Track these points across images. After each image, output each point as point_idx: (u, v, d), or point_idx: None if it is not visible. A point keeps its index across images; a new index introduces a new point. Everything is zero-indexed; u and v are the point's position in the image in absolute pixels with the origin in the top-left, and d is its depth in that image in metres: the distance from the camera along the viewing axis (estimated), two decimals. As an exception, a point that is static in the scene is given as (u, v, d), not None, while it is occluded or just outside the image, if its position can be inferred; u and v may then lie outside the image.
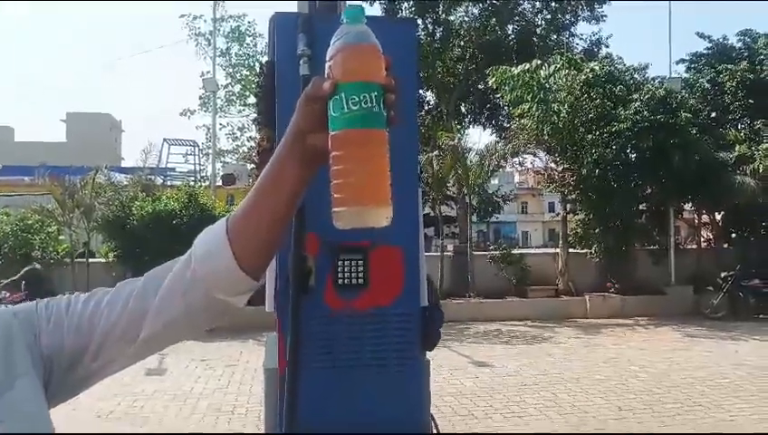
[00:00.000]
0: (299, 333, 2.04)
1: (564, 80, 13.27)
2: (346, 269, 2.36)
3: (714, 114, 15.77)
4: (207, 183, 19.24)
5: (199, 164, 25.32)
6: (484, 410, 6.49)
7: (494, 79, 13.84)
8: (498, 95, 15.77)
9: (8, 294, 9.84)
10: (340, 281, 2.37)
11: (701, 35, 17.17)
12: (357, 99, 0.78)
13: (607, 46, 19.42)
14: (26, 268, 10.54)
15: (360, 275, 2.37)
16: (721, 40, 17.00)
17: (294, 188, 0.88)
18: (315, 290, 2.28)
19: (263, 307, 2.36)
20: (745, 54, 16.20)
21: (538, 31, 18.94)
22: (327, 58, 0.82)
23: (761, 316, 12.21)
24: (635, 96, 13.54)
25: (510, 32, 18.80)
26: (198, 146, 24.84)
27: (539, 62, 13.71)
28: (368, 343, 2.42)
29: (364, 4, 17.28)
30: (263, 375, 2.60)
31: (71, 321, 0.92)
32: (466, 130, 18.71)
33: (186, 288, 0.91)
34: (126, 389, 6.86)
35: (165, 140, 25.65)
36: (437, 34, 18.09)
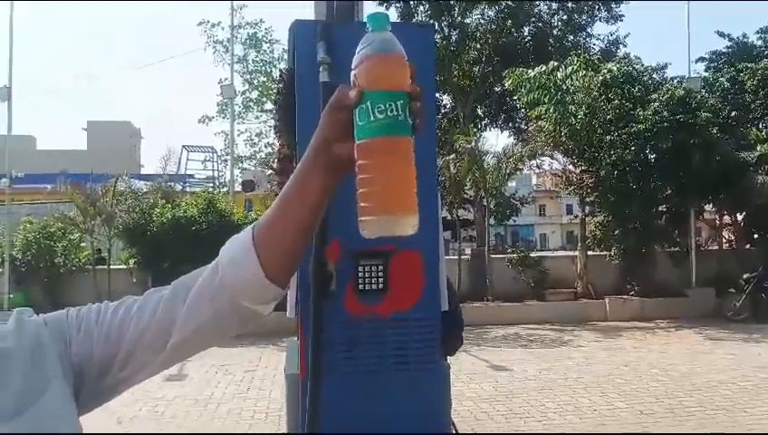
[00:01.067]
0: (320, 338, 2.06)
1: (581, 81, 13.19)
2: (366, 274, 2.37)
3: (734, 113, 15.56)
4: (226, 189, 19.38)
5: (218, 170, 25.52)
6: (504, 415, 6.46)
7: (510, 81, 13.80)
8: (515, 97, 15.71)
9: None
10: (360, 286, 2.39)
11: (721, 34, 17.03)
12: (383, 107, 0.78)
13: (624, 46, 19.27)
14: None
15: (381, 280, 2.38)
16: (741, 38, 16.84)
17: (319, 197, 0.88)
18: (336, 295, 2.30)
19: (282, 312, 2.38)
20: (766, 52, 16.01)
21: (554, 32, 18.83)
22: (352, 66, 0.82)
23: (784, 318, 12.02)
24: (654, 96, 13.41)
25: (526, 33, 18.74)
26: (217, 152, 25.03)
27: (556, 63, 13.64)
28: (388, 347, 2.43)
29: (380, 8, 17.42)
30: (283, 380, 2.62)
31: (100, 329, 0.93)
32: (483, 133, 18.65)
33: (213, 295, 0.92)
34: (147, 394, 6.92)
35: (184, 146, 25.93)
36: (453, 37, 18.07)
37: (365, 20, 0.85)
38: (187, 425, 6.23)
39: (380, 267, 2.37)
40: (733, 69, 15.90)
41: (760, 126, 15.25)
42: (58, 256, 12.79)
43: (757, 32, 16.79)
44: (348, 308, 2.38)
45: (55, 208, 14.12)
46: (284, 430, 2.61)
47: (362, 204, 0.79)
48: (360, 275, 2.38)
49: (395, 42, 0.81)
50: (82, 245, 13.43)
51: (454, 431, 2.63)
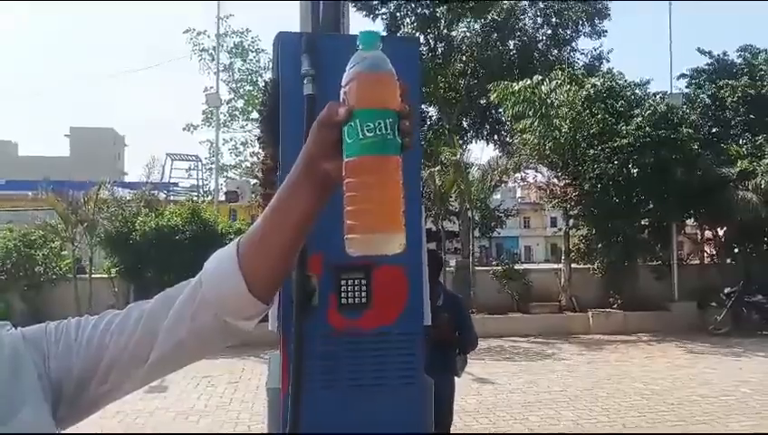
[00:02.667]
0: (302, 352, 2.04)
1: (566, 95, 13.31)
2: (349, 289, 2.36)
3: (715, 129, 15.80)
4: (210, 198, 19.28)
5: (202, 179, 25.37)
6: (487, 428, 6.45)
7: (495, 94, 13.89)
8: (500, 110, 15.82)
9: None
10: (343, 300, 2.37)
11: (702, 51, 17.24)
12: (372, 125, 0.78)
13: (608, 61, 19.48)
14: None
15: (363, 294, 2.37)
16: (721, 55, 17.07)
17: (305, 214, 0.87)
18: (318, 310, 2.29)
19: (264, 325, 2.36)
20: (746, 70, 16.25)
21: (539, 46, 19.00)
22: (342, 84, 0.82)
23: (764, 332, 12.14)
24: (636, 111, 13.56)
25: (511, 47, 18.87)
26: (201, 161, 24.90)
27: (540, 77, 13.76)
28: (370, 362, 2.42)
29: (366, 20, 17.48)
30: (265, 394, 2.59)
31: (80, 344, 0.92)
32: (468, 146, 18.74)
33: (195, 311, 0.91)
34: (127, 406, 6.82)
35: (168, 154, 25.75)
36: (439, 50, 18.18)
37: (351, 33, 0.85)
38: (166, 437, 6.15)
39: (363, 281, 2.36)
40: (713, 86, 16.12)
41: (740, 142, 15.45)
42: (38, 264, 12.61)
43: (737, 50, 17.04)
44: (330, 322, 2.37)
45: (36, 216, 13.94)
46: (265, 445, 2.59)
47: (349, 222, 0.79)
48: (343, 288, 2.36)
49: (385, 60, 0.82)
50: (63, 253, 13.26)
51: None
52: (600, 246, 13.81)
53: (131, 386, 0.95)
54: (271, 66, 3.56)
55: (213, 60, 20.42)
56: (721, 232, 15.48)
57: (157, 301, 0.95)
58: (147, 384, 0.97)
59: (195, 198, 18.35)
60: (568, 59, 18.72)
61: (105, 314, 0.96)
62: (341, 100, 0.82)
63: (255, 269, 0.89)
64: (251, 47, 20.91)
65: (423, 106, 17.53)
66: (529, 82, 13.51)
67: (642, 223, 14.33)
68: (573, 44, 19.44)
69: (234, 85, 20.94)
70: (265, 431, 2.66)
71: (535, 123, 13.18)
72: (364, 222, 0.78)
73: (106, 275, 12.88)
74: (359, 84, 0.80)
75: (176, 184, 25.32)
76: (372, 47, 0.82)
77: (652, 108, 13.46)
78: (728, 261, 15.16)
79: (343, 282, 2.36)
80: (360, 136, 0.79)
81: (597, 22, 18.95)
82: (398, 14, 18.19)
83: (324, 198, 0.87)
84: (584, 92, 13.59)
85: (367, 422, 2.34)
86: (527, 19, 19.05)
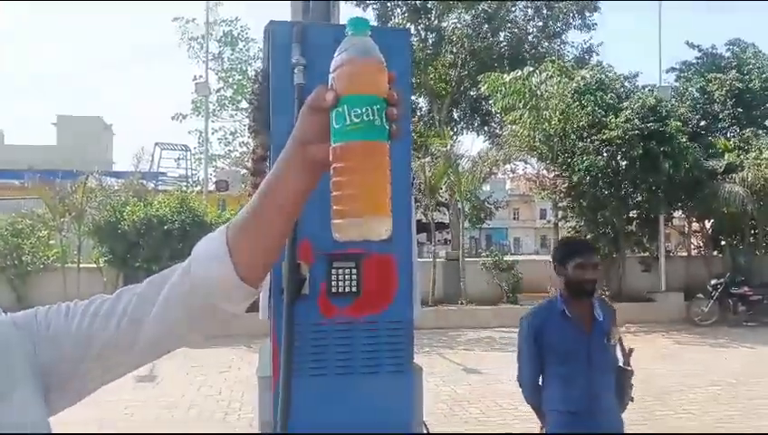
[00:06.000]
0: (292, 340, 2.05)
1: (555, 87, 13.35)
2: (339, 277, 2.37)
3: (703, 123, 15.91)
4: (199, 188, 19.19)
5: (191, 169, 25.22)
6: (477, 417, 6.50)
7: (486, 86, 13.90)
8: (490, 102, 15.85)
9: None
10: (333, 289, 2.39)
11: (690, 45, 17.35)
12: (359, 111, 0.78)
13: (597, 54, 19.57)
14: None
15: (354, 282, 2.39)
16: (710, 49, 17.18)
17: (293, 198, 0.87)
18: (309, 298, 2.30)
19: (254, 314, 2.37)
20: (734, 64, 16.37)
21: (530, 38, 19.07)
22: (330, 70, 0.81)
23: (749, 323, 12.29)
24: (625, 104, 13.62)
25: (502, 39, 18.91)
26: (190, 150, 24.75)
27: (530, 69, 13.79)
28: (360, 350, 2.43)
29: (356, 10, 17.41)
30: (256, 383, 2.60)
31: (69, 329, 0.92)
32: (459, 137, 18.79)
33: (184, 296, 0.91)
34: (117, 396, 6.80)
35: (157, 144, 25.49)
36: (430, 41, 18.19)
37: (343, 23, 0.85)
38: (158, 427, 6.15)
39: (353, 270, 2.38)
40: (702, 79, 16.23)
41: (728, 135, 15.58)
42: (26, 253, 12.53)
43: (726, 43, 17.17)
44: (320, 310, 2.38)
45: (23, 205, 13.82)
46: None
47: (335, 207, 0.79)
48: (333, 277, 2.38)
49: (374, 47, 0.81)
50: (51, 242, 13.17)
51: (425, 431, 2.64)
52: (588, 237, 13.88)
53: (122, 370, 0.96)
54: (261, 55, 3.55)
55: (202, 48, 20.29)
56: (708, 224, 15.63)
57: (146, 285, 0.95)
58: (139, 367, 0.97)
59: (184, 188, 18.24)
60: (558, 51, 18.79)
61: (95, 298, 0.96)
62: (329, 85, 0.81)
63: (244, 253, 0.89)
64: (240, 36, 20.82)
65: (413, 97, 17.53)
66: (519, 73, 13.53)
67: (630, 215, 14.43)
68: (563, 37, 19.54)
69: (223, 74, 20.85)
70: (256, 419, 2.67)
71: (525, 115, 13.22)
72: (350, 207, 0.78)
73: (94, 265, 12.81)
74: (346, 70, 0.80)
75: (164, 174, 25.10)
76: (361, 33, 0.81)
77: (641, 101, 13.52)
78: (715, 253, 15.31)
79: (334, 270, 2.37)
80: (347, 121, 0.78)
81: (587, 15, 19.02)
82: (388, 4, 18.16)
83: (313, 181, 0.87)
84: (574, 85, 13.64)
85: (357, 409, 2.36)
86: (518, 11, 19.09)
